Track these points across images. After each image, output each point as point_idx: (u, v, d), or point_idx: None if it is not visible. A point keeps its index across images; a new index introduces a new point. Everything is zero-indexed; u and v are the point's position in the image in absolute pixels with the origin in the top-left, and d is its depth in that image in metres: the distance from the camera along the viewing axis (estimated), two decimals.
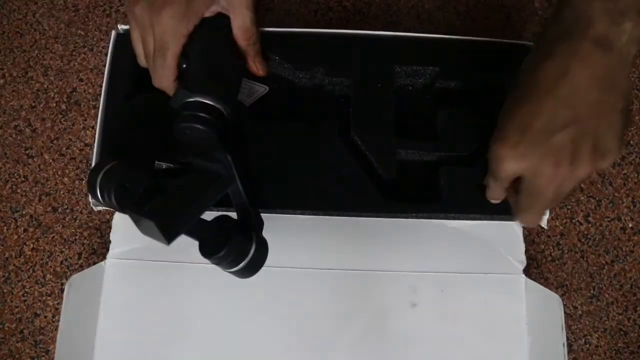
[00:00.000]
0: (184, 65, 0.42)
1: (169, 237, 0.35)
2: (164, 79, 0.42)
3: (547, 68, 0.34)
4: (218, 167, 0.40)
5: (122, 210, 0.40)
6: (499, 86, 0.50)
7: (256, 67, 0.46)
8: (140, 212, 0.35)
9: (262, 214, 0.44)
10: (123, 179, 0.39)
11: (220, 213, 0.41)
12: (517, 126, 0.36)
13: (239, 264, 0.39)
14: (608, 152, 0.35)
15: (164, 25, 0.40)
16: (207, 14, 0.42)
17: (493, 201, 0.44)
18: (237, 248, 0.38)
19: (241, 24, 0.43)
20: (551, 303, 0.46)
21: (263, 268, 0.41)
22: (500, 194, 0.42)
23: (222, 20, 0.43)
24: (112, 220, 0.52)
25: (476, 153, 0.47)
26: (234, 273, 0.40)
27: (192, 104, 0.40)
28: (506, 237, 0.49)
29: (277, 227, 0.49)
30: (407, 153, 0.48)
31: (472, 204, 0.46)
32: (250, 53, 0.45)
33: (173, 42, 0.41)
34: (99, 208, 0.49)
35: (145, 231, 0.37)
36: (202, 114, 0.39)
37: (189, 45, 0.42)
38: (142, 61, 0.44)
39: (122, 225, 0.49)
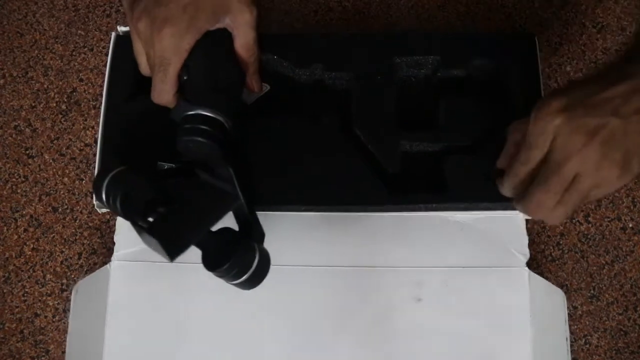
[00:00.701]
0: (185, 77, 0.42)
1: (172, 255, 0.35)
2: (165, 93, 0.42)
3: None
4: (223, 183, 0.41)
5: (127, 218, 0.40)
6: (501, 74, 0.50)
7: (253, 84, 0.46)
8: (145, 228, 0.36)
9: (264, 211, 0.44)
10: (130, 186, 0.39)
11: None
12: (578, 92, 0.35)
13: (242, 276, 0.39)
14: (630, 170, 0.35)
15: (166, 42, 0.40)
16: (210, 29, 0.42)
17: (504, 187, 0.42)
18: (241, 261, 0.39)
19: (244, 42, 0.42)
20: (554, 297, 0.46)
21: None
22: (519, 174, 0.39)
23: (222, 32, 0.42)
24: (112, 220, 0.52)
25: (479, 142, 0.47)
26: (237, 285, 0.40)
27: (193, 116, 0.39)
28: (509, 231, 0.49)
29: (280, 224, 0.49)
30: (411, 144, 0.48)
31: (477, 192, 0.46)
32: (249, 70, 0.45)
33: (174, 59, 0.40)
34: (103, 210, 0.50)
35: (148, 244, 0.38)
36: (204, 127, 0.39)
37: (189, 57, 0.41)
38: (145, 71, 0.44)
39: (125, 227, 0.49)
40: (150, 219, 0.39)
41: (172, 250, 0.35)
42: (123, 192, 0.39)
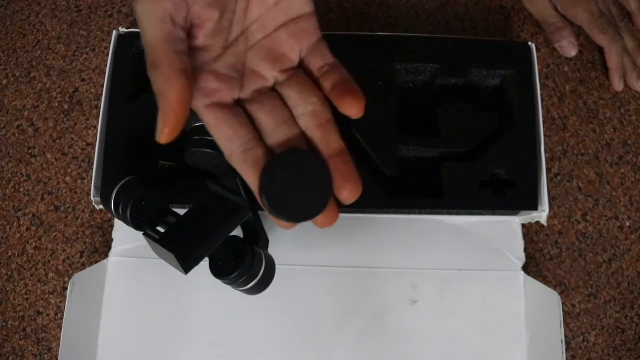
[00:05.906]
0: None
1: (186, 269, 0.36)
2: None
3: None
4: (231, 193, 0.41)
5: (136, 227, 0.40)
6: (498, 82, 0.50)
7: None
8: (157, 240, 0.37)
9: (262, 211, 0.44)
10: (139, 196, 0.40)
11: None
12: None
13: (249, 283, 0.40)
14: None
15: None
16: None
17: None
18: (249, 269, 0.39)
19: None
20: (550, 300, 0.46)
21: None
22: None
23: None
24: (113, 219, 0.52)
25: (477, 149, 0.47)
26: (243, 291, 0.41)
27: (201, 128, 0.39)
28: (505, 234, 0.50)
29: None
30: (409, 150, 0.48)
31: (474, 200, 0.46)
32: None
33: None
34: (102, 207, 0.50)
35: (160, 255, 0.38)
36: (211, 138, 0.39)
37: None
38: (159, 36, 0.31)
39: (124, 223, 0.49)
40: (160, 229, 0.39)
41: (187, 264, 0.36)
42: (132, 201, 0.40)
